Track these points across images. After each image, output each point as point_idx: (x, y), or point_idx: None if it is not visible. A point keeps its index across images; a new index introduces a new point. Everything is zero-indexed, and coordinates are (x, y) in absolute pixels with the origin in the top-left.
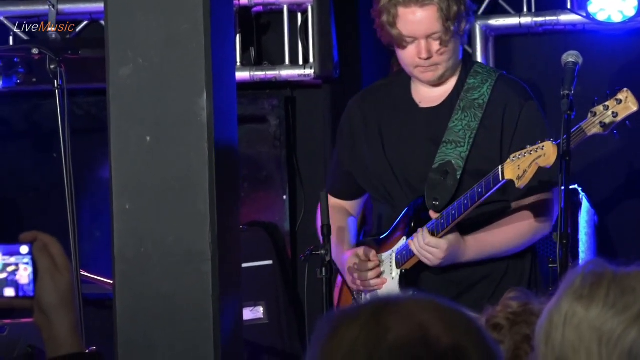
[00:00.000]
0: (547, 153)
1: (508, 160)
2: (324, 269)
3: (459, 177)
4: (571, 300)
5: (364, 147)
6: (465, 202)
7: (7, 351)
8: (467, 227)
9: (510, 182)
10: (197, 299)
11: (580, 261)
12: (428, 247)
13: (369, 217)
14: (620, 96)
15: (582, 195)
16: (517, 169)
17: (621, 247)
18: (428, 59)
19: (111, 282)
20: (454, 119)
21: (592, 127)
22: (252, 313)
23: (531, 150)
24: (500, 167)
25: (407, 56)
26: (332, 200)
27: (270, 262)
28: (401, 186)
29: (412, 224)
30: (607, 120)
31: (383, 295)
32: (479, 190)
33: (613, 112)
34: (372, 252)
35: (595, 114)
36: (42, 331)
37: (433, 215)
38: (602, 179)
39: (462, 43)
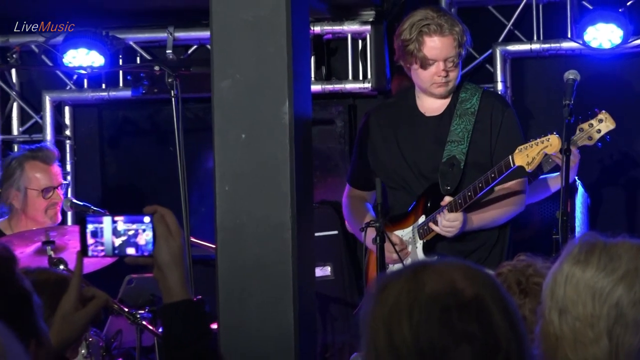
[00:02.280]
0: (552, 143)
1: (516, 151)
2: (377, 237)
3: (462, 167)
4: (571, 264)
5: (382, 149)
6: (480, 184)
7: (135, 298)
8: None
9: (520, 167)
10: (280, 260)
11: (577, 234)
12: (449, 222)
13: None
14: (601, 117)
15: (578, 182)
16: (526, 157)
17: (608, 223)
18: (445, 77)
19: (213, 246)
20: (454, 124)
21: (581, 140)
22: (322, 271)
23: (538, 142)
24: (510, 156)
25: (428, 74)
26: (353, 192)
27: (336, 232)
28: (416, 176)
29: (429, 204)
30: (592, 135)
31: (420, 260)
32: (492, 175)
33: (597, 129)
34: (396, 236)
35: (583, 130)
36: (159, 283)
37: (448, 198)
38: (593, 170)
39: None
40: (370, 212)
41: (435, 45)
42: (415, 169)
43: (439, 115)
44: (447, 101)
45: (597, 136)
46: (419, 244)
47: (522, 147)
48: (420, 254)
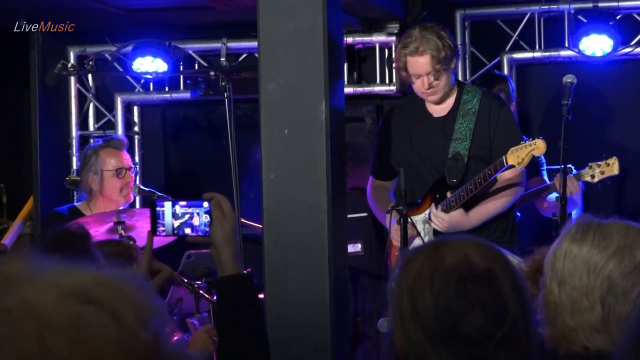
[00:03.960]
0: (539, 146)
1: (509, 152)
2: (401, 219)
3: (466, 161)
4: (569, 241)
5: (397, 145)
6: (470, 187)
7: (193, 270)
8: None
9: (512, 165)
10: (317, 238)
11: (574, 216)
12: (436, 218)
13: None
14: (609, 161)
15: (575, 171)
16: (517, 157)
17: (600, 206)
18: (429, 89)
19: (260, 226)
20: (458, 123)
21: (585, 176)
22: (353, 248)
23: (527, 145)
24: (503, 156)
25: (416, 87)
26: (376, 182)
27: (365, 214)
28: (428, 169)
29: (437, 195)
30: (596, 175)
31: (440, 237)
32: (488, 172)
33: (601, 171)
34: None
35: (591, 167)
36: (215, 259)
37: (448, 194)
38: (588, 160)
39: (454, 72)
40: (391, 199)
41: (414, 64)
42: (427, 162)
43: (444, 116)
44: (451, 103)
45: (599, 177)
46: (428, 228)
47: (513, 148)
48: (429, 238)
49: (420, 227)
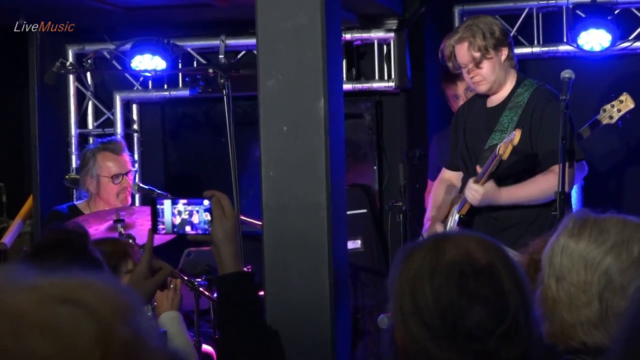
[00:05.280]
0: (515, 138)
1: (501, 144)
2: (401, 215)
3: None
4: (566, 237)
5: (459, 136)
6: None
7: (193, 268)
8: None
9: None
10: (317, 234)
11: (572, 211)
12: (470, 190)
13: None
14: (621, 98)
15: None
16: (504, 146)
17: (598, 201)
18: (472, 77)
19: (260, 223)
20: (503, 115)
21: (604, 119)
22: (353, 244)
23: (508, 136)
24: (499, 145)
25: (465, 77)
26: (444, 173)
27: (365, 210)
28: (472, 161)
29: None
30: (613, 114)
31: (441, 232)
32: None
33: (617, 109)
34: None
35: (605, 110)
36: (215, 257)
37: (478, 169)
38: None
39: (511, 65)
40: (448, 197)
41: (457, 53)
42: (472, 153)
43: (496, 106)
44: (504, 95)
45: (617, 115)
46: (456, 216)
47: (504, 139)
48: (454, 226)
49: (452, 214)
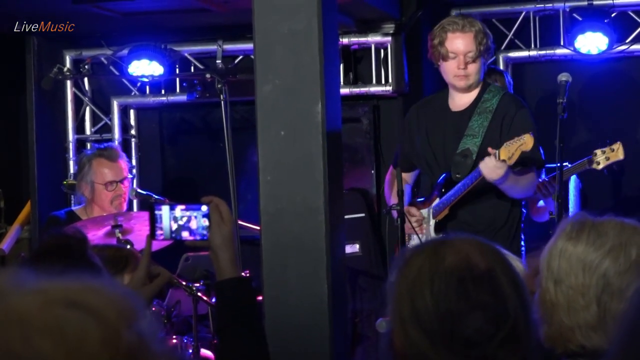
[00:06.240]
0: (526, 142)
1: (503, 146)
2: (398, 219)
3: (474, 158)
4: (564, 240)
5: (417, 139)
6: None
7: (191, 273)
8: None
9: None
10: (315, 239)
11: (570, 214)
12: (494, 167)
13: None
14: (614, 146)
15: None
16: (508, 152)
17: (596, 205)
18: (464, 69)
19: (258, 228)
20: (472, 120)
21: (592, 164)
22: (351, 248)
23: (517, 140)
24: (497, 151)
25: (450, 67)
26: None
27: (363, 214)
28: (439, 165)
29: (443, 190)
30: (601, 162)
31: (440, 237)
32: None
33: (606, 157)
34: (414, 209)
35: (596, 155)
36: (213, 262)
37: (491, 150)
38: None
39: (484, 70)
40: (407, 193)
41: (456, 40)
42: (439, 157)
43: (462, 111)
44: (471, 99)
45: (604, 163)
46: (432, 222)
47: (506, 143)
48: (432, 232)
49: (427, 219)
